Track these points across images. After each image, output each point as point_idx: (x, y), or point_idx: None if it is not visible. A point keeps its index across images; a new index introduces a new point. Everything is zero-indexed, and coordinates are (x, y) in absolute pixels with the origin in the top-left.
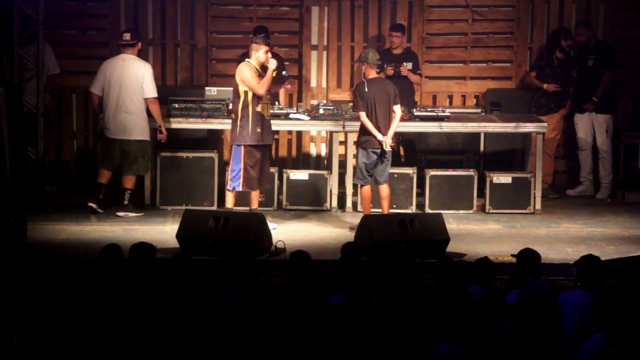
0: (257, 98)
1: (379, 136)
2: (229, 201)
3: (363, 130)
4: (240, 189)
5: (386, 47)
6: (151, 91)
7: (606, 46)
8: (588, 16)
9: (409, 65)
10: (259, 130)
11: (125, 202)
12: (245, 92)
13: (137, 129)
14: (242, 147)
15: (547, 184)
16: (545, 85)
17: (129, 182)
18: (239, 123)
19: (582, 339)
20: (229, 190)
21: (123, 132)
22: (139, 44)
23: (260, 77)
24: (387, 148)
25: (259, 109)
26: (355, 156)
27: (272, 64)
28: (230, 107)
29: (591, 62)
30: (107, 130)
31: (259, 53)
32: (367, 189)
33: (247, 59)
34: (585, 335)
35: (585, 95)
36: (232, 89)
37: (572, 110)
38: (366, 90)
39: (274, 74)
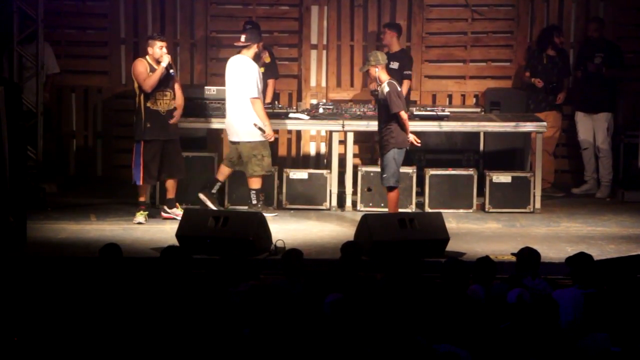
0: (147, 94)
1: (410, 135)
2: (141, 195)
3: (398, 130)
4: (139, 183)
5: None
6: (250, 91)
7: (615, 46)
8: (588, 15)
9: (395, 65)
10: (149, 125)
11: (253, 202)
12: (139, 88)
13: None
14: (141, 142)
15: (549, 183)
16: (532, 79)
17: (249, 182)
18: (135, 119)
19: (576, 336)
20: (137, 184)
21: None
22: (254, 46)
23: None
24: (417, 142)
25: (149, 104)
26: (382, 158)
27: (164, 61)
28: None
29: (598, 60)
30: None
31: (154, 49)
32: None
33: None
34: (579, 332)
35: (587, 93)
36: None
37: (573, 108)
38: (399, 90)
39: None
